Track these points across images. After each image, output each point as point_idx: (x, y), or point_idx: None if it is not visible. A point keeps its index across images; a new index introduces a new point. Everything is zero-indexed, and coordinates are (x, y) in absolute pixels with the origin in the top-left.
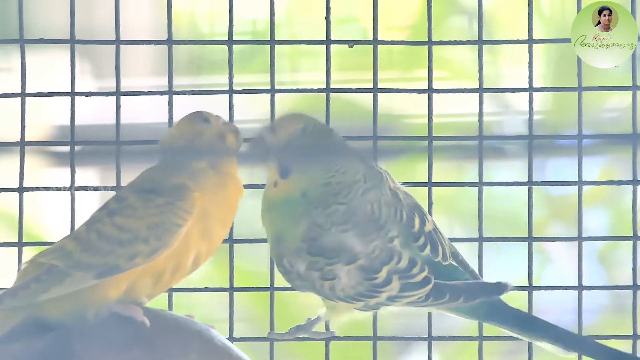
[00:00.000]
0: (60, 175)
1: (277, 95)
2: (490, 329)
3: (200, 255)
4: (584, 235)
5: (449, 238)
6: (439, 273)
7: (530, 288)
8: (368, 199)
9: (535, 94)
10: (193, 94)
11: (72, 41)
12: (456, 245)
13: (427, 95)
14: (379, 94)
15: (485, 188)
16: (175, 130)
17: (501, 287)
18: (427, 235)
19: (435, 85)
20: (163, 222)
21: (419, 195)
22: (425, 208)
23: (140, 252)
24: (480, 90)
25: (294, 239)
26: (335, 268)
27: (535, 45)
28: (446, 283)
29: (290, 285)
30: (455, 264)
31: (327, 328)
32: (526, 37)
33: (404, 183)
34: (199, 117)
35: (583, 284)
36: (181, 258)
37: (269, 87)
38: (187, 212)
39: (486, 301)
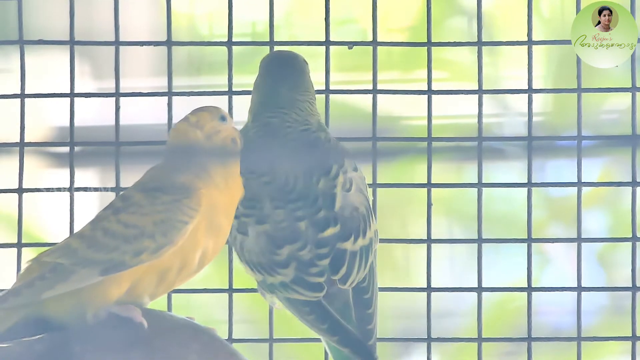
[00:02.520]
0: (60, 176)
1: None
2: (490, 330)
3: (207, 252)
4: (583, 236)
5: (448, 239)
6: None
7: (529, 289)
8: (285, 170)
9: (535, 96)
10: (192, 95)
11: (72, 42)
12: (455, 246)
13: (426, 96)
14: (379, 95)
15: (484, 189)
16: (195, 119)
17: (371, 358)
18: (337, 250)
19: (435, 86)
20: (169, 219)
21: (418, 196)
22: (425, 209)
23: (146, 249)
24: (480, 91)
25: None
26: (248, 223)
27: (535, 47)
28: (333, 314)
29: None
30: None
31: None
32: (526, 39)
33: (403, 184)
34: (218, 114)
35: (582, 285)
36: (187, 255)
37: None
38: (193, 209)
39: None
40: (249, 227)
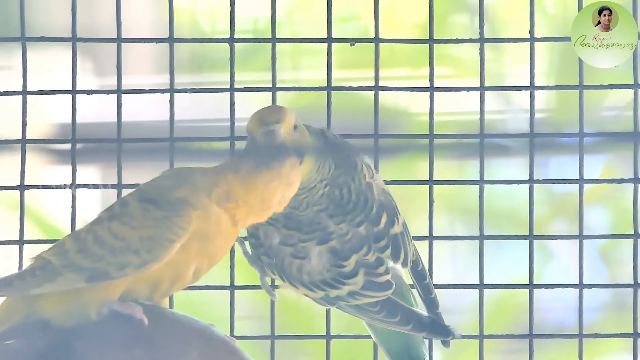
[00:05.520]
0: (62, 173)
1: (278, 94)
2: (491, 327)
3: (201, 268)
4: (585, 233)
5: (450, 236)
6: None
7: (531, 286)
8: (337, 184)
9: (537, 92)
10: (194, 92)
11: (74, 39)
12: (457, 243)
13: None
14: (381, 92)
15: (486, 186)
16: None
17: (447, 331)
18: (392, 237)
19: (443, 83)
20: (156, 236)
21: (420, 193)
22: (426, 205)
23: (130, 263)
24: (482, 88)
25: None
26: (308, 246)
27: (538, 43)
28: (401, 304)
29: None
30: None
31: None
32: (528, 35)
33: (405, 181)
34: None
35: (584, 282)
36: (180, 270)
37: (270, 85)
38: (182, 228)
39: (406, 342)
40: (310, 249)
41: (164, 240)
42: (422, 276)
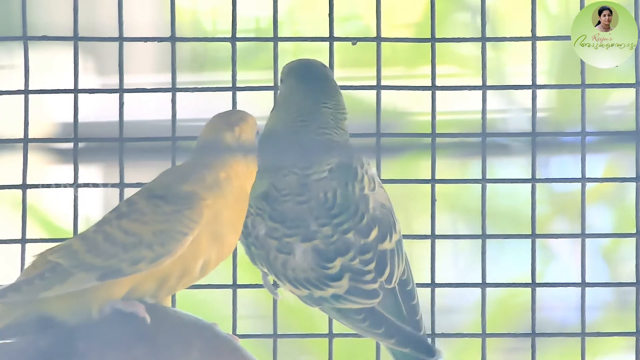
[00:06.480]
0: (64, 172)
1: None
2: (494, 325)
3: (210, 261)
4: (587, 232)
5: (452, 235)
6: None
7: (533, 285)
8: (322, 186)
9: (539, 91)
10: (196, 91)
11: (76, 38)
12: (459, 242)
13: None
14: (384, 91)
15: (488, 185)
16: (239, 132)
17: (432, 351)
18: (379, 252)
19: (445, 81)
20: (169, 230)
21: (422, 192)
22: (429, 205)
23: (144, 258)
24: (484, 87)
25: (257, 197)
26: (293, 242)
27: (540, 42)
28: (387, 316)
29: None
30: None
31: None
32: (530, 34)
33: (407, 180)
34: (256, 128)
35: (587, 281)
36: (188, 264)
37: (272, 84)
38: (194, 221)
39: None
40: (294, 245)
41: (176, 233)
42: (410, 296)
